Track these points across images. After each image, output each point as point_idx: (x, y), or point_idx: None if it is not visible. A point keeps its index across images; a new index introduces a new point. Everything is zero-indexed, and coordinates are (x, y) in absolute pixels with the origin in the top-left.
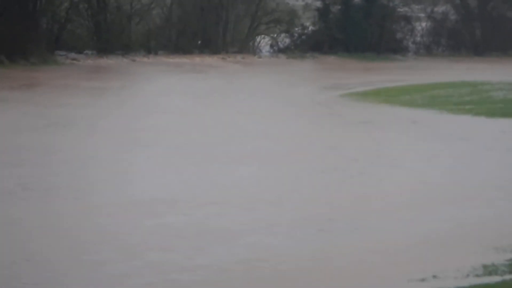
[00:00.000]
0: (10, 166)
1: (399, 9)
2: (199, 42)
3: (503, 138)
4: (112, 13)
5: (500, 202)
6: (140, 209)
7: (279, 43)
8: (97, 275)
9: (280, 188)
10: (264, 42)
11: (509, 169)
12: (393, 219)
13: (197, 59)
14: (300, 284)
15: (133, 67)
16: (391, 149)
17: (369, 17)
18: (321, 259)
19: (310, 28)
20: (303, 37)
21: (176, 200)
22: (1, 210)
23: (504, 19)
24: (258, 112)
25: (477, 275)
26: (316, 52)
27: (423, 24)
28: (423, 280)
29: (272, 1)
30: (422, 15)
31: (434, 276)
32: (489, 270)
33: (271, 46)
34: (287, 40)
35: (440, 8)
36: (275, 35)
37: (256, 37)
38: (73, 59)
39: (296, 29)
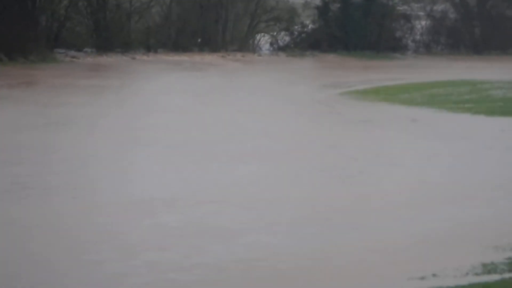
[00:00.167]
0: (9, 164)
1: (398, 8)
2: (199, 40)
3: (503, 137)
4: (111, 11)
5: (500, 201)
6: (138, 208)
7: (279, 41)
8: (95, 274)
9: (280, 187)
10: (263, 40)
11: (508, 168)
12: (393, 218)
13: (196, 57)
14: (300, 283)
15: (133, 65)
16: (391, 148)
17: (369, 16)
18: (320, 258)
19: (310, 26)
20: (303, 35)
21: (175, 199)
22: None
23: (503, 18)
24: (258, 110)
25: (477, 274)
26: (316, 50)
27: (423, 23)
28: (422, 278)
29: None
30: (421, 13)
31: (434, 275)
32: (488, 268)
33: (271, 44)
34: (287, 38)
35: (439, 7)
36: (275, 33)
37: (256, 35)
38: (73, 57)
39: (296, 27)
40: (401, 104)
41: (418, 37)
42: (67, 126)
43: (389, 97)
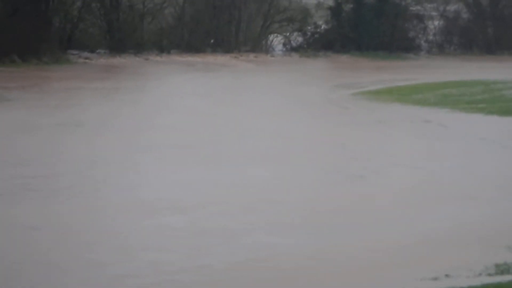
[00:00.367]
0: (16, 165)
1: (411, 8)
2: (212, 41)
3: None
4: (124, 12)
5: None
6: (143, 209)
7: (292, 41)
8: (98, 275)
9: (288, 188)
10: (276, 40)
11: None
12: (405, 218)
13: (209, 58)
14: (304, 283)
15: (146, 66)
16: (403, 148)
17: (382, 16)
18: (330, 258)
19: (323, 26)
20: (316, 35)
21: (180, 200)
22: (2, 209)
23: None
24: (270, 111)
25: (489, 274)
26: (329, 51)
27: (436, 23)
28: (435, 279)
29: (284, 0)
30: (434, 13)
31: (447, 275)
32: (501, 269)
33: (284, 44)
34: (300, 39)
35: (452, 7)
36: (288, 34)
37: (269, 35)
38: (86, 58)
39: (309, 27)
40: (414, 105)
41: (431, 37)
42: (78, 127)
43: (402, 98)
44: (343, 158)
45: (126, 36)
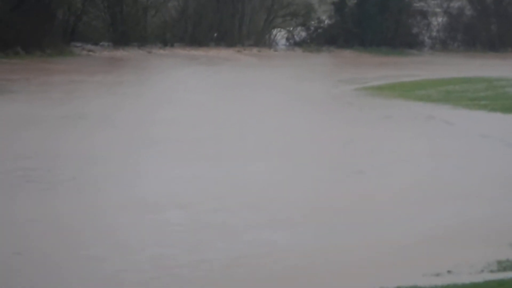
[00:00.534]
0: (18, 158)
1: (415, 4)
2: (215, 34)
3: None
4: (128, 5)
5: None
6: (143, 204)
7: (295, 36)
8: (96, 270)
9: (289, 184)
10: (280, 35)
11: None
12: (407, 215)
13: (212, 52)
14: (310, 280)
15: (149, 59)
16: (405, 145)
17: (385, 11)
18: (330, 255)
19: (326, 21)
20: (319, 30)
21: (180, 195)
22: (0, 202)
23: None
24: (272, 106)
25: (492, 271)
26: (332, 46)
27: (439, 19)
28: (437, 275)
29: None
30: (438, 10)
31: (449, 272)
32: (504, 266)
33: (287, 39)
34: (303, 34)
35: (456, 3)
36: (291, 28)
37: (272, 30)
38: (89, 50)
39: (312, 22)
40: (416, 101)
41: (434, 34)
42: (80, 120)
43: (404, 93)
44: (345, 155)
45: (129, 29)
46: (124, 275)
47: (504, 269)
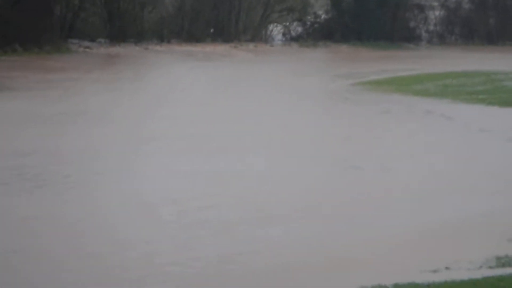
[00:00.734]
0: (16, 155)
1: None
2: (212, 30)
3: None
4: (125, 1)
5: None
6: (138, 201)
7: (292, 31)
8: (90, 267)
9: (285, 179)
10: (276, 30)
11: None
12: (405, 210)
13: (209, 48)
14: (305, 276)
15: (146, 55)
16: (404, 139)
17: (382, 6)
18: (326, 250)
19: (323, 16)
20: (316, 25)
21: (175, 191)
22: None
23: None
24: (270, 102)
25: (490, 267)
26: (329, 41)
27: (437, 13)
28: (435, 271)
29: None
30: (435, 3)
31: (447, 268)
32: (502, 261)
33: (284, 34)
34: (300, 29)
35: None
36: (288, 24)
37: (269, 25)
38: (86, 47)
39: (309, 17)
40: (414, 95)
41: (431, 28)
42: (78, 117)
43: (402, 88)
44: (342, 150)
45: (126, 25)
46: (118, 272)
47: (503, 265)
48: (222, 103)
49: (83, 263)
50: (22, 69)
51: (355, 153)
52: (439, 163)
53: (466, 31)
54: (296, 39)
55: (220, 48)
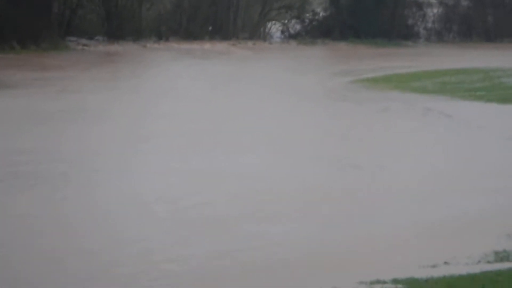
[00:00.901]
0: (12, 153)
1: None
2: (210, 28)
3: None
4: None
5: None
6: (134, 198)
7: (290, 29)
8: (85, 263)
9: (282, 177)
10: (274, 28)
11: None
12: (404, 207)
13: (207, 45)
14: (302, 273)
15: (144, 53)
16: (403, 137)
17: (380, 3)
18: (323, 248)
19: (321, 14)
20: (314, 23)
21: (171, 189)
22: None
23: None
24: (268, 99)
25: (489, 262)
26: (327, 38)
27: (435, 10)
28: (434, 266)
29: None
30: (433, 1)
31: (445, 263)
32: (501, 256)
33: (282, 32)
34: (298, 26)
35: None
36: (286, 21)
37: (267, 23)
38: (84, 45)
39: (307, 15)
40: (412, 92)
41: (430, 25)
42: (76, 115)
43: (400, 85)
44: (340, 148)
45: (124, 23)
46: (114, 269)
47: (501, 259)
48: (221, 101)
49: (79, 259)
50: (19, 67)
51: (352, 150)
52: (439, 162)
53: (464, 28)
54: (295, 36)
55: (219, 46)
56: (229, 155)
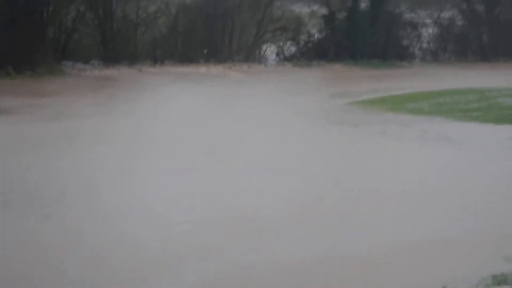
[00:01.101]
0: (2, 181)
1: (405, 16)
2: (205, 51)
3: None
4: (118, 22)
5: (510, 210)
6: (122, 231)
7: (285, 51)
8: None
9: (277, 199)
10: (270, 50)
11: None
12: (401, 228)
13: (203, 69)
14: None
15: (140, 77)
16: (399, 158)
17: (376, 24)
18: (316, 268)
19: (316, 35)
20: (309, 44)
21: (158, 214)
22: None
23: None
24: (264, 123)
25: (487, 285)
26: (322, 60)
27: (430, 30)
28: None
29: (278, 9)
30: (428, 21)
31: (444, 287)
32: (498, 280)
33: (277, 54)
34: (293, 48)
35: (446, 14)
36: (281, 43)
37: (262, 45)
38: (80, 69)
39: (302, 36)
40: (408, 113)
41: (425, 45)
42: (71, 141)
43: (396, 107)
44: (336, 169)
45: (119, 47)
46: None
47: (499, 283)
48: (217, 124)
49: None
50: (15, 93)
51: (348, 171)
52: (434, 181)
53: (459, 48)
54: (290, 58)
55: (214, 69)
56: (226, 178)
